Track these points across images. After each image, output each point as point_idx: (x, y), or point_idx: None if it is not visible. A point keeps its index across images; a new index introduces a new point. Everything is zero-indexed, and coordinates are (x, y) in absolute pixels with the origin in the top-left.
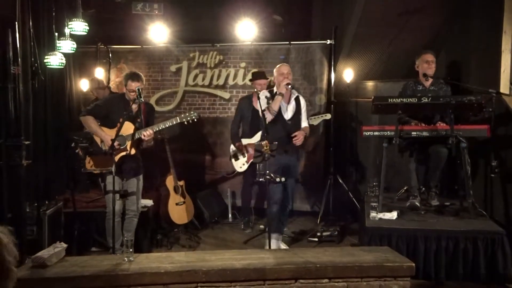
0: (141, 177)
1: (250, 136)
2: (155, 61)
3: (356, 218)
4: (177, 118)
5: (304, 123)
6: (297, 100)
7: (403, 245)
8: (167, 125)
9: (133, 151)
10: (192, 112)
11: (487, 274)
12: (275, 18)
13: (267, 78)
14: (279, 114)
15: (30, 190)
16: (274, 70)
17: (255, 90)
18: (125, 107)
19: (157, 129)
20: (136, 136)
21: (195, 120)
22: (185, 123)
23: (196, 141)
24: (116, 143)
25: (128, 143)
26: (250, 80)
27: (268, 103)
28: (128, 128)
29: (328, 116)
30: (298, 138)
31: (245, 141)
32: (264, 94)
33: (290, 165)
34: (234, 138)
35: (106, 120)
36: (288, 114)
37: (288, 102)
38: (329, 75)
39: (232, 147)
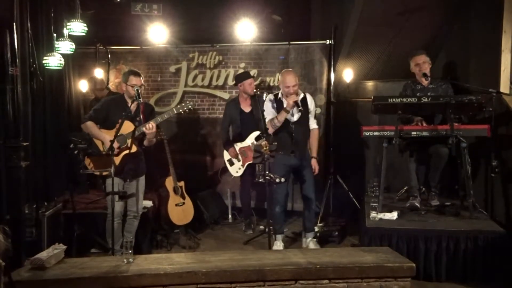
0: (142, 178)
1: (242, 139)
2: (155, 62)
3: (356, 218)
4: (173, 109)
5: (313, 125)
6: (303, 101)
7: (403, 246)
8: (165, 117)
9: (134, 149)
10: (187, 102)
11: (488, 274)
12: (274, 18)
13: (253, 76)
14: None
15: (29, 192)
16: (280, 74)
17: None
18: (124, 108)
19: (159, 121)
20: (137, 133)
21: (191, 109)
22: (182, 112)
23: (195, 142)
24: (116, 145)
25: (129, 141)
26: (236, 84)
27: (273, 106)
28: (128, 127)
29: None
30: (315, 170)
31: (238, 145)
32: (269, 98)
33: (300, 165)
34: (226, 145)
35: (106, 123)
36: (294, 117)
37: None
38: (328, 75)
39: (226, 154)
